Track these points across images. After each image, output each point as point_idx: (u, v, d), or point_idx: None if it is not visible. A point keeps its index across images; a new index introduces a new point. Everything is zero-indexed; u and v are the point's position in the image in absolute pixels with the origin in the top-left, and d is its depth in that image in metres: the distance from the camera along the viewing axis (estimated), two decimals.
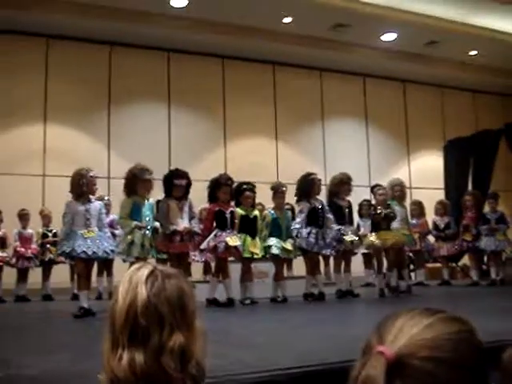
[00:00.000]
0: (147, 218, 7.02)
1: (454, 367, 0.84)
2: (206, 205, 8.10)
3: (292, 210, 9.43)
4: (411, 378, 0.82)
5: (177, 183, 7.42)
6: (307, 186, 8.32)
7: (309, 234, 8.09)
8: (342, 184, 8.49)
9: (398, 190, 9.02)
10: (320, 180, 8.56)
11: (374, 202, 8.84)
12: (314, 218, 8.15)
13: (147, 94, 12.46)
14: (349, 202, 8.64)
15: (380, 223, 8.36)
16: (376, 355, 0.86)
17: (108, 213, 9.20)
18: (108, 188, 11.26)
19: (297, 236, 8.15)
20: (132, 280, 1.31)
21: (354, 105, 14.61)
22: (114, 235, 8.63)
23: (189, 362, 1.25)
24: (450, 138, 13.73)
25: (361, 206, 10.67)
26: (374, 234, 8.39)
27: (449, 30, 12.51)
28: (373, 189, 8.76)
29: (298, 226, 8.17)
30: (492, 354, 1.03)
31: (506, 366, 1.01)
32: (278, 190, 8.37)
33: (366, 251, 9.67)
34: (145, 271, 1.32)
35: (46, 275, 9.86)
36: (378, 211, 8.36)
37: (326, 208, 8.34)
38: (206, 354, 1.33)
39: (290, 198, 8.90)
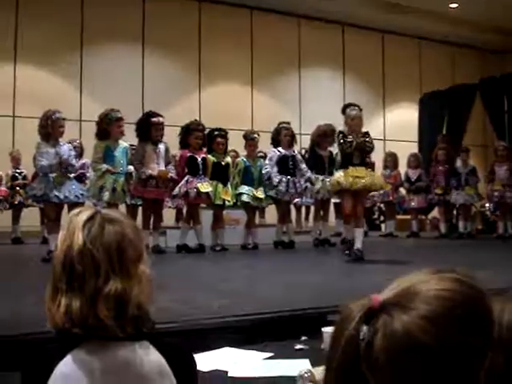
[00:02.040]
0: (121, 162, 6.95)
1: (433, 323, 0.83)
2: (178, 151, 8.03)
3: (265, 157, 9.42)
4: (391, 325, 0.84)
5: (155, 121, 7.32)
6: (276, 134, 8.29)
7: (279, 182, 8.00)
8: (325, 136, 8.42)
9: None
10: (289, 129, 8.29)
11: (344, 127, 6.45)
12: (285, 167, 8.08)
13: (121, 36, 12.15)
14: (330, 152, 8.59)
15: (351, 156, 6.23)
16: (366, 299, 0.89)
17: (80, 156, 9.08)
18: (80, 131, 11.09)
19: (268, 181, 8.06)
20: (70, 226, 1.29)
21: (331, 54, 14.46)
22: (85, 178, 8.57)
23: (126, 308, 1.24)
24: (426, 91, 13.72)
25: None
26: (341, 171, 6.34)
27: None
28: (344, 110, 6.45)
29: (264, 170, 8.12)
30: None
31: None
32: (249, 138, 8.34)
33: (337, 200, 9.47)
34: (83, 216, 1.29)
35: (16, 218, 9.76)
36: (349, 139, 6.20)
37: (299, 157, 8.28)
38: (151, 300, 1.32)
39: (264, 146, 8.88)
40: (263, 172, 8.14)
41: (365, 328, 0.85)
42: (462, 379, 0.85)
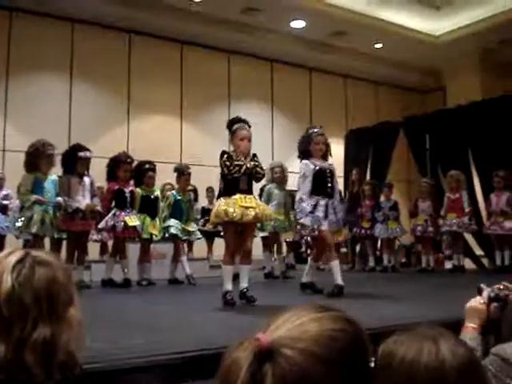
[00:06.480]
0: (49, 194, 6.81)
1: (326, 363, 0.85)
2: (104, 183, 7.91)
3: (195, 191, 9.39)
4: (281, 366, 0.83)
5: (81, 155, 7.20)
6: (305, 143, 6.22)
7: (315, 206, 6.00)
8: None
9: (279, 172, 8.79)
10: (323, 135, 6.18)
11: (229, 148, 5.60)
12: (322, 185, 6.05)
13: (49, 65, 11.90)
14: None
15: (238, 181, 5.27)
16: (251, 340, 0.87)
17: (1, 187, 8.83)
18: (3, 161, 10.77)
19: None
20: None
21: (260, 89, 14.67)
22: (6, 209, 8.30)
23: (54, 355, 1.20)
24: (352, 128, 14.09)
25: (262, 190, 10.68)
26: (222, 199, 5.31)
27: (356, 22, 12.78)
28: (230, 126, 5.44)
29: (302, 195, 6.02)
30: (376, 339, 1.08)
31: (380, 358, 1.04)
32: (183, 173, 8.25)
33: (264, 234, 9.35)
34: (13, 258, 1.25)
35: None
36: (237, 162, 5.23)
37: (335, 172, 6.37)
38: (81, 344, 1.28)
39: (193, 180, 8.83)
40: (296, 200, 6.14)
41: (251, 374, 0.83)
42: None
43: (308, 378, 0.83)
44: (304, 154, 6.13)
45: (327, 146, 6.16)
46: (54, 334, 1.21)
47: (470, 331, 2.05)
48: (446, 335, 1.12)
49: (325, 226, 5.95)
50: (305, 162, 6.03)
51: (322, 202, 5.94)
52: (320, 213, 5.90)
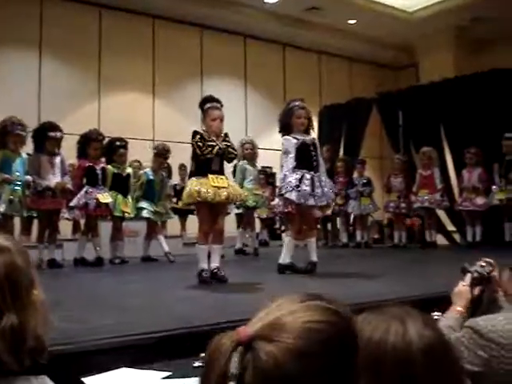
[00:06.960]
0: (17, 173, 6.68)
1: (306, 356, 0.84)
2: (75, 160, 7.80)
3: (168, 169, 9.31)
4: (261, 360, 0.83)
5: (52, 135, 7.09)
6: (285, 116, 6.04)
7: (300, 180, 5.72)
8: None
9: (249, 149, 8.72)
10: (304, 108, 5.95)
11: (201, 128, 5.47)
12: (305, 160, 5.82)
13: (18, 42, 11.60)
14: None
15: (210, 162, 5.19)
16: (234, 333, 0.87)
17: None
18: None
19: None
20: None
21: (233, 65, 14.55)
22: None
23: (24, 342, 1.18)
24: (326, 104, 14.05)
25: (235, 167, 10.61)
26: (195, 179, 5.20)
27: None
28: (203, 105, 5.33)
29: (285, 172, 5.82)
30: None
31: None
32: (162, 154, 8.21)
33: (238, 212, 9.44)
34: None
35: None
36: (210, 143, 5.13)
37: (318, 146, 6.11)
38: (47, 326, 1.26)
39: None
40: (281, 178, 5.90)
41: (234, 364, 0.83)
42: None
43: (288, 371, 0.82)
44: (285, 128, 5.96)
45: (309, 119, 5.95)
46: (21, 320, 1.18)
47: (455, 312, 2.12)
48: (414, 315, 1.11)
49: (311, 201, 5.70)
50: (286, 137, 5.84)
51: (308, 176, 5.69)
52: (306, 187, 5.64)
